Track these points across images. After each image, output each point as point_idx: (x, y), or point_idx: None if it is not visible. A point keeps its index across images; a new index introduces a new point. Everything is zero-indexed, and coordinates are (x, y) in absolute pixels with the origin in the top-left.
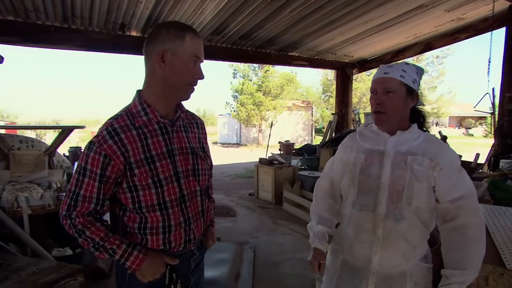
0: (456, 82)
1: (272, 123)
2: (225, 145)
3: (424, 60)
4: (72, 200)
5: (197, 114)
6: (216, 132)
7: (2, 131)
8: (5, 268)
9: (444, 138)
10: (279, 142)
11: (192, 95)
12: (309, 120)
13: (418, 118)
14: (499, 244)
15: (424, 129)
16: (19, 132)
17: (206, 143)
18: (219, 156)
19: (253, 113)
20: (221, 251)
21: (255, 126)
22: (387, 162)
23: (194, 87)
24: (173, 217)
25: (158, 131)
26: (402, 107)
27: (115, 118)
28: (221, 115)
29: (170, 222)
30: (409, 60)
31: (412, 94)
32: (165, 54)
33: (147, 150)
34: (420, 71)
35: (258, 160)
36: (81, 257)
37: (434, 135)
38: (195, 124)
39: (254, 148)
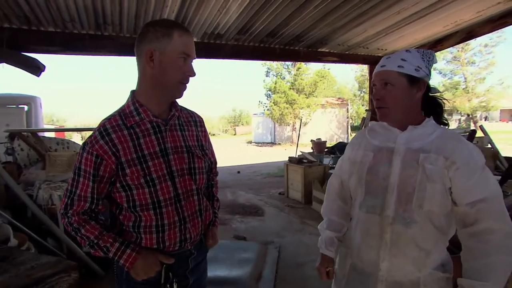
0: (508, 73)
1: (301, 121)
2: (260, 144)
3: (470, 50)
4: (69, 199)
5: (233, 114)
6: (250, 132)
7: (52, 134)
8: (9, 262)
9: (473, 132)
10: (311, 141)
11: (227, 95)
12: (344, 118)
13: (434, 109)
14: None
15: (443, 120)
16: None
17: (206, 141)
18: (252, 155)
19: (286, 112)
20: (245, 250)
21: (289, 125)
22: (397, 160)
23: (186, 84)
24: (167, 216)
25: (150, 130)
26: (404, 99)
27: (108, 118)
28: (255, 114)
29: (164, 221)
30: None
31: (417, 83)
32: (154, 53)
33: (139, 150)
34: (427, 56)
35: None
36: None
37: (453, 129)
38: (193, 122)
39: (288, 147)
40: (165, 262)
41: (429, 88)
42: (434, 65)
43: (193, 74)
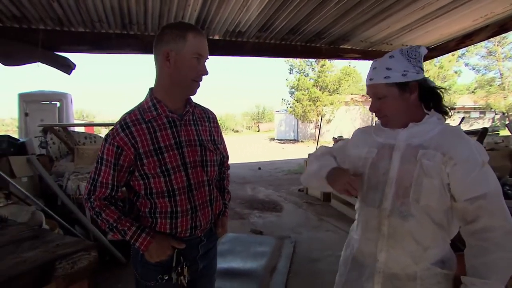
0: None
1: (322, 118)
2: (282, 141)
3: (508, 44)
4: (92, 185)
5: (256, 110)
6: (273, 129)
7: (81, 129)
8: (40, 240)
9: (484, 130)
10: (333, 138)
11: (251, 92)
12: (368, 115)
13: (432, 99)
14: None
15: (443, 109)
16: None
17: (219, 136)
18: (275, 152)
19: (309, 109)
20: (261, 244)
21: (312, 122)
22: (397, 156)
23: (200, 82)
24: (180, 204)
25: (166, 124)
26: (399, 105)
27: (128, 113)
28: (278, 111)
29: (177, 208)
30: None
31: (408, 86)
32: (170, 53)
33: (156, 142)
34: (413, 54)
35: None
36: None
37: (455, 126)
38: (207, 118)
39: (311, 144)
40: (177, 247)
41: (425, 82)
42: (466, 60)
43: (206, 73)
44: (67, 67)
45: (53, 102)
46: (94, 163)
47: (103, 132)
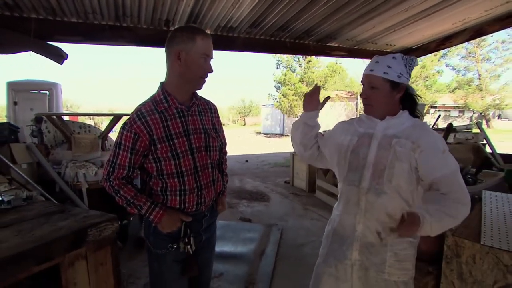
0: None
1: None
2: (268, 135)
3: (486, 46)
4: (111, 167)
5: (242, 104)
6: (259, 123)
7: (66, 118)
8: (66, 214)
9: (450, 126)
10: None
11: (237, 85)
12: (353, 111)
13: (410, 103)
14: (484, 222)
15: (416, 114)
16: (80, 119)
17: (219, 125)
18: (261, 146)
19: (295, 104)
20: (250, 231)
21: (297, 117)
22: (374, 143)
23: (205, 79)
24: (188, 183)
25: (176, 114)
26: (386, 100)
27: (143, 104)
28: (264, 105)
29: (185, 187)
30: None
31: (398, 87)
32: (181, 53)
33: (167, 130)
34: (409, 62)
35: None
36: (127, 227)
37: (424, 122)
38: (209, 110)
39: None
40: (185, 220)
41: (407, 88)
42: (447, 60)
43: (212, 71)
44: (59, 56)
45: (42, 92)
46: (92, 153)
47: (87, 122)
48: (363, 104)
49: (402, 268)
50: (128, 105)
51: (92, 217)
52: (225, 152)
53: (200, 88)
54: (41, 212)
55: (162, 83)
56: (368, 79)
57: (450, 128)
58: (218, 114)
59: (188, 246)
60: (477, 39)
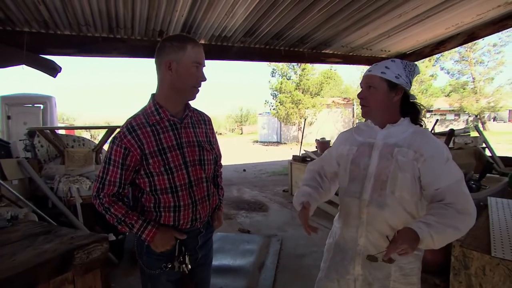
0: None
1: (305, 121)
2: (266, 144)
3: (479, 50)
4: (100, 183)
5: (239, 113)
6: (257, 131)
7: (62, 131)
8: (53, 234)
9: (451, 132)
10: (316, 140)
11: (233, 93)
12: (349, 118)
13: (413, 112)
14: (493, 232)
15: (419, 122)
16: (76, 132)
17: (213, 138)
18: (258, 155)
19: (292, 111)
20: (249, 242)
21: (294, 124)
22: (375, 153)
23: (199, 88)
24: (182, 198)
25: (169, 127)
26: (384, 101)
27: (133, 117)
28: (260, 114)
29: (180, 203)
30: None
31: (395, 88)
32: (171, 63)
33: (160, 143)
34: (409, 67)
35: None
36: (123, 242)
37: (426, 129)
38: (203, 121)
39: (294, 146)
40: (179, 238)
41: (408, 96)
42: (441, 64)
43: (205, 79)
44: (53, 69)
45: (36, 105)
46: (86, 167)
47: (83, 135)
48: (361, 106)
49: (408, 283)
50: (126, 115)
51: (79, 238)
52: (220, 165)
53: (193, 98)
54: (26, 233)
55: (153, 95)
56: (365, 80)
57: (451, 134)
58: (212, 126)
59: (184, 265)
60: (469, 43)
